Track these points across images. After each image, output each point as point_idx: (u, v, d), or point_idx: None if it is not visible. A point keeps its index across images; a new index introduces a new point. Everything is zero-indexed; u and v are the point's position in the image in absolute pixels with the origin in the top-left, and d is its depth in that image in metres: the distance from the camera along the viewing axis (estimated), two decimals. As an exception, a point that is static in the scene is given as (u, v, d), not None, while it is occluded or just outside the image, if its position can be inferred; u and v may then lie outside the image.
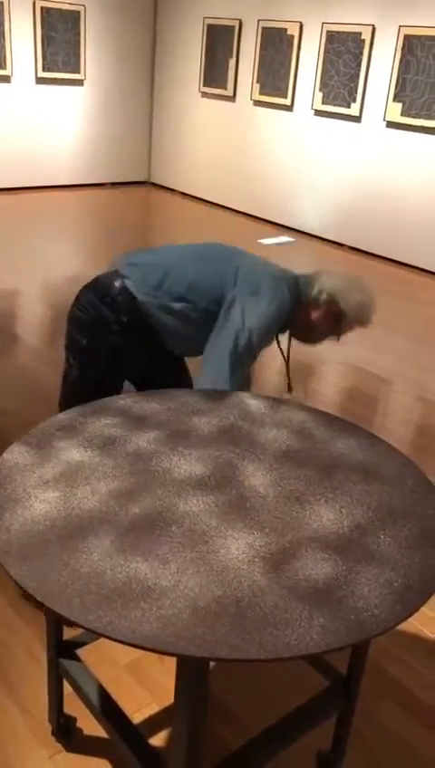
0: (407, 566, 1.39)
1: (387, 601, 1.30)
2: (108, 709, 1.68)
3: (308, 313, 2.20)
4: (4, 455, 1.63)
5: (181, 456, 1.68)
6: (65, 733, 1.93)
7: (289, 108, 7.56)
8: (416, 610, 1.31)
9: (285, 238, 7.58)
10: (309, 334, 2.26)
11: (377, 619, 1.26)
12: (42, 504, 1.47)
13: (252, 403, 1.98)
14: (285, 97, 7.51)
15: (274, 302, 2.09)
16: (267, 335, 2.12)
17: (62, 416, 1.82)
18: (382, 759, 1.98)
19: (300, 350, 4.96)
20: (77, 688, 1.77)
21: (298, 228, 7.82)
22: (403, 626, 2.42)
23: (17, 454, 1.64)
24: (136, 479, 1.58)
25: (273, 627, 1.21)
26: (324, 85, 7.16)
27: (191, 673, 1.33)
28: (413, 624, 2.45)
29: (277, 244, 7.34)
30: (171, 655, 1.16)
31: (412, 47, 6.35)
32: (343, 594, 1.30)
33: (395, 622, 1.27)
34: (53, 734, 1.93)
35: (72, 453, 1.66)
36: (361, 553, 1.41)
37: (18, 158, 8.39)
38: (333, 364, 4.69)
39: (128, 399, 1.93)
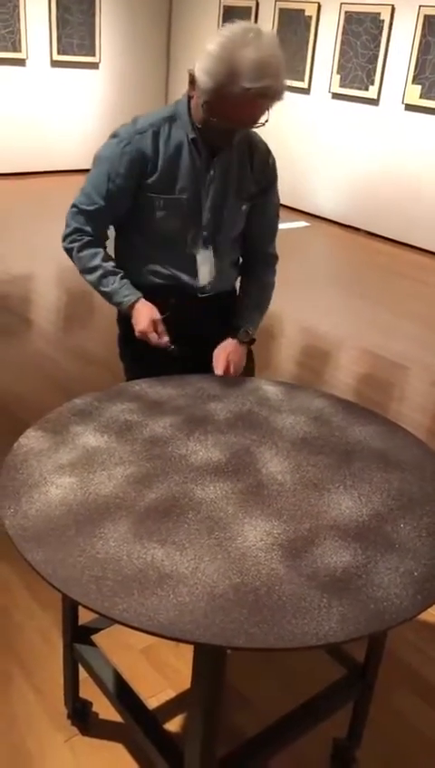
0: (427, 555, 1.37)
1: (407, 591, 1.28)
2: (123, 694, 1.68)
3: (190, 105, 1.90)
4: (20, 439, 1.62)
5: (198, 442, 1.67)
6: (81, 717, 1.93)
7: (306, 91, 7.47)
8: (437, 600, 1.29)
9: (300, 223, 7.52)
10: (210, 132, 1.88)
11: (397, 609, 1.24)
12: (58, 489, 1.46)
13: (269, 389, 1.95)
14: (302, 80, 7.42)
15: (97, 155, 2.00)
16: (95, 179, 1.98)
17: (78, 401, 1.81)
18: (399, 747, 1.97)
19: (312, 334, 4.94)
20: (92, 673, 1.77)
21: (313, 213, 7.75)
22: (421, 615, 2.40)
23: (33, 439, 1.63)
24: (152, 465, 1.57)
25: (291, 615, 1.20)
26: (342, 68, 7.07)
27: (208, 661, 1.32)
28: (432, 613, 2.43)
29: (292, 228, 7.28)
30: (188, 643, 1.15)
31: (432, 28, 6.24)
32: (362, 583, 1.28)
33: (416, 612, 1.25)
34: (69, 717, 1.94)
35: (89, 438, 1.64)
36: (380, 542, 1.39)
37: (33, 143, 8.36)
38: (346, 349, 4.66)
39: (143, 385, 1.91)
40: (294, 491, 1.52)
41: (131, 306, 2.00)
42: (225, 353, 2.04)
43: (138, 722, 1.62)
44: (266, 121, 1.85)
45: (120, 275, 2.01)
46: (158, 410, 1.79)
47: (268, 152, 2.10)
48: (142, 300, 2.00)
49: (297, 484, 1.55)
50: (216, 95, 1.76)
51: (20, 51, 7.88)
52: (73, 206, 2.04)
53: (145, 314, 1.97)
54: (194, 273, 2.06)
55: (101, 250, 2.04)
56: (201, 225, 2.01)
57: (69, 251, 2.06)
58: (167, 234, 2.01)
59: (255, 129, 1.92)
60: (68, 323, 4.68)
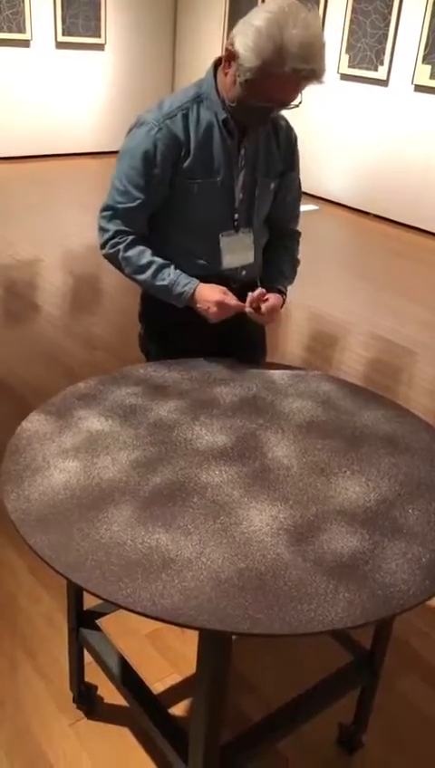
0: (435, 541, 1.35)
1: (415, 576, 1.26)
2: (128, 679, 1.67)
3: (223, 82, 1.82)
4: (24, 423, 1.60)
5: (203, 426, 1.65)
6: (86, 701, 1.93)
7: (314, 72, 7.37)
8: (445, 586, 1.27)
9: (309, 206, 7.45)
10: (246, 112, 1.82)
11: (405, 595, 1.22)
12: (61, 473, 1.44)
13: (275, 373, 1.93)
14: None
15: (126, 148, 1.88)
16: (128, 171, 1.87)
17: (81, 384, 1.79)
18: (405, 733, 1.96)
19: (321, 319, 4.91)
20: (97, 658, 1.76)
21: (322, 196, 7.68)
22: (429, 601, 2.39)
23: (36, 422, 1.61)
24: (157, 449, 1.55)
25: (297, 601, 1.18)
26: (351, 47, 6.97)
27: (213, 646, 1.31)
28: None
29: (302, 211, 7.22)
30: (193, 628, 1.13)
31: (443, 6, 6.13)
32: (369, 569, 1.26)
33: (424, 598, 1.23)
34: (74, 701, 1.94)
35: (93, 422, 1.63)
36: (388, 527, 1.37)
37: (38, 126, 8.30)
38: (355, 334, 4.62)
39: (148, 368, 1.89)
40: (300, 475, 1.50)
41: (192, 294, 1.89)
42: (268, 300, 1.94)
43: (142, 706, 1.62)
44: (301, 103, 1.80)
45: (173, 266, 1.91)
46: (162, 394, 1.77)
47: (291, 128, 2.07)
48: (201, 283, 1.91)
49: (304, 468, 1.53)
50: (261, 74, 1.69)
51: (24, 32, 7.80)
52: (107, 208, 1.91)
53: (214, 290, 1.88)
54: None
55: (146, 247, 1.92)
56: (234, 208, 1.97)
57: (112, 256, 1.93)
58: (203, 220, 1.94)
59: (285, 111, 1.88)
60: (74, 309, 4.66)
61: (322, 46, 1.70)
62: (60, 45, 8.14)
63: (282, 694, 2.00)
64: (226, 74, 1.80)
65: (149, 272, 1.90)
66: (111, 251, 1.92)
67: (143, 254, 1.91)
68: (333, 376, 1.96)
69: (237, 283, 2.03)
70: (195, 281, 1.91)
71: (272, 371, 1.94)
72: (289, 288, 2.12)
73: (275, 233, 2.15)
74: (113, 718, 1.91)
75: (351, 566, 1.27)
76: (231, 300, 1.89)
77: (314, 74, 1.71)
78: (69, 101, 8.43)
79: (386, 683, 2.07)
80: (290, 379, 1.91)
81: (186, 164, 1.86)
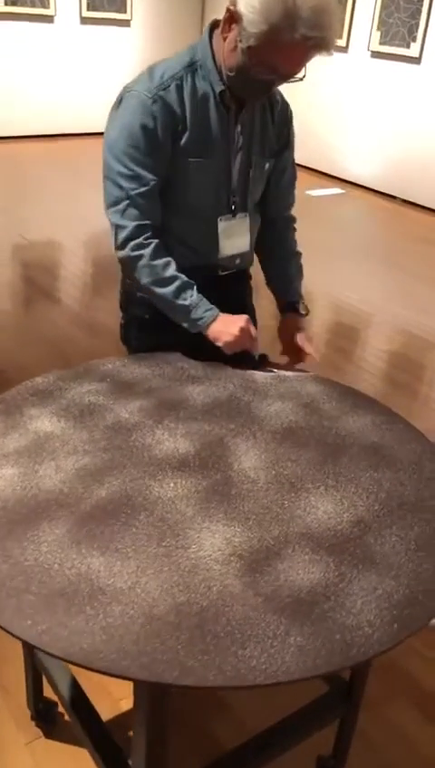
0: (413, 573, 1.17)
1: (383, 618, 1.08)
2: (78, 703, 1.53)
3: (220, 48, 1.63)
4: (-32, 422, 1.46)
5: (166, 431, 1.48)
6: (45, 718, 1.80)
7: (344, 49, 7.09)
8: (418, 630, 1.10)
9: (334, 189, 7.20)
10: (245, 83, 1.63)
11: (368, 641, 1.05)
12: (-3, 481, 1.29)
13: (257, 372, 1.75)
14: (340, 37, 7.04)
15: (120, 125, 1.66)
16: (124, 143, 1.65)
17: (39, 379, 1.64)
18: (391, 764, 1.79)
19: (341, 309, 4.70)
20: (50, 679, 1.63)
21: (348, 179, 7.41)
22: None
23: (-18, 422, 1.46)
24: (110, 456, 1.39)
25: (239, 645, 1.02)
26: (383, 23, 6.67)
27: (146, 693, 1.15)
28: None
29: (326, 195, 6.97)
30: (111, 676, 0.98)
31: None
32: (330, 606, 1.09)
33: (390, 645, 1.06)
34: (33, 719, 1.81)
35: (44, 422, 1.47)
36: (359, 556, 1.20)
37: (61, 104, 8.15)
38: (377, 326, 4.41)
39: (117, 363, 1.73)
40: (266, 490, 1.33)
41: (211, 323, 1.71)
42: (301, 335, 1.87)
43: (89, 734, 1.47)
44: (304, 76, 1.61)
45: (194, 286, 1.71)
46: (128, 392, 1.61)
47: (287, 103, 1.87)
48: (222, 313, 1.73)
49: (271, 482, 1.36)
50: (266, 39, 1.50)
51: (48, 7, 7.63)
52: (117, 200, 1.66)
53: (235, 322, 1.70)
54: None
55: (170, 257, 1.71)
56: (231, 189, 1.78)
57: (134, 260, 1.69)
58: (199, 204, 1.76)
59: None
60: (83, 293, 4.51)
61: (334, 13, 1.52)
62: (84, 21, 7.96)
63: (257, 719, 1.85)
64: (224, 39, 1.61)
65: (172, 287, 1.69)
66: (134, 254, 1.68)
67: (169, 266, 1.70)
68: (322, 377, 1.78)
69: (228, 271, 1.86)
70: (215, 309, 1.72)
71: (254, 370, 1.77)
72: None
73: (268, 221, 1.96)
74: (72, 738, 1.78)
75: (308, 603, 1.10)
76: (253, 331, 1.72)
77: (325, 43, 1.52)
78: (93, 79, 8.25)
79: (375, 709, 1.90)
80: (273, 379, 1.73)
81: (183, 141, 1.66)
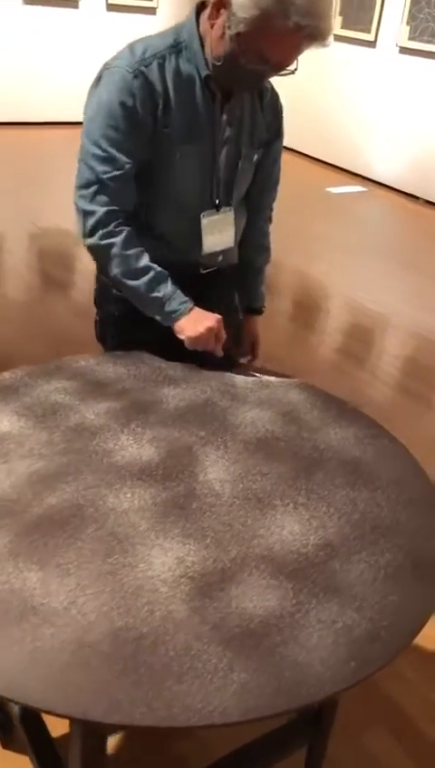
0: (378, 605, 1.08)
1: (339, 655, 0.99)
2: (27, 716, 1.45)
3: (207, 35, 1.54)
4: None
5: (132, 435, 1.40)
6: (3, 729, 1.73)
7: (372, 44, 6.93)
8: (378, 669, 1.00)
9: (356, 187, 7.06)
10: (233, 74, 1.52)
11: (319, 681, 0.96)
12: None
13: (238, 376, 1.66)
14: (368, 31, 6.88)
15: (98, 103, 1.56)
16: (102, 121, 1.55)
17: (7, 375, 1.56)
18: (362, 797, 1.70)
19: (357, 311, 4.58)
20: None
21: (371, 177, 7.26)
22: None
23: None
24: (67, 460, 1.31)
25: (175, 679, 0.93)
26: (412, 18, 6.50)
27: (80, 728, 1.06)
28: (425, 635, 2.13)
29: (347, 193, 6.83)
30: (29, 707, 0.90)
31: None
32: (281, 639, 1.00)
33: (344, 685, 0.97)
34: (-9, 727, 1.74)
35: (2, 421, 1.39)
36: (321, 583, 1.11)
37: (85, 91, 8.05)
38: (394, 330, 4.28)
39: (91, 361, 1.65)
40: (230, 506, 1.24)
41: (183, 315, 1.62)
42: (255, 333, 1.99)
43: (34, 749, 1.40)
44: (296, 70, 1.51)
45: (169, 278, 1.62)
46: (98, 392, 1.53)
47: (276, 92, 1.77)
48: (196, 307, 1.64)
49: (237, 497, 1.26)
50: (257, 25, 1.41)
51: (74, -7, 7.55)
52: (88, 183, 1.56)
53: (204, 319, 1.61)
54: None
55: (142, 247, 1.60)
56: (216, 181, 1.68)
57: (102, 250, 1.58)
58: (181, 196, 1.66)
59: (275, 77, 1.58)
60: (92, 286, 4.44)
61: (330, 3, 1.43)
62: (110, 8, 7.86)
63: (223, 741, 1.76)
64: (212, 26, 1.51)
65: (144, 279, 1.59)
66: (103, 243, 1.58)
67: (141, 257, 1.60)
68: (305, 382, 1.68)
69: (210, 269, 1.77)
70: (190, 302, 1.63)
71: (235, 373, 1.67)
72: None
73: (251, 215, 1.87)
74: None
75: (259, 634, 1.01)
76: (222, 333, 1.63)
77: (320, 33, 1.42)
78: (117, 67, 8.16)
79: (350, 735, 1.81)
80: (254, 384, 1.64)
81: (165, 124, 1.56)
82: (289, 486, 1.31)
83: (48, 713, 0.89)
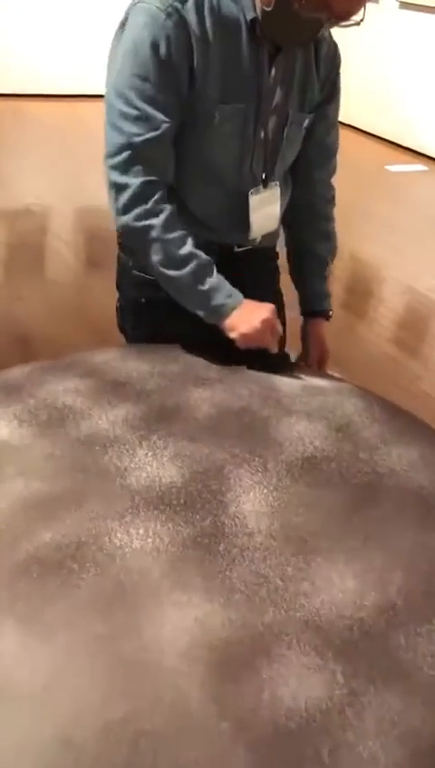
0: (455, 699, 0.82)
1: (401, 762, 0.74)
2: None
3: None
4: None
5: (151, 451, 1.15)
6: None
7: (432, 9, 6.49)
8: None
9: (416, 166, 6.66)
10: (286, 23, 1.27)
11: None
12: None
13: (284, 378, 1.40)
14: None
15: (124, 50, 1.28)
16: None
17: (15, 370, 1.34)
18: None
19: (414, 298, 4.25)
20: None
21: (432, 155, 6.84)
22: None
23: None
24: (71, 481, 1.07)
25: (182, 805, 0.69)
26: None
27: None
28: None
29: (406, 171, 6.45)
30: None
31: None
32: (330, 748, 0.76)
33: None
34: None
35: (0, 427, 1.17)
36: (381, 664, 0.85)
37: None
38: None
39: (110, 355, 1.41)
40: (266, 549, 0.99)
41: (232, 309, 1.36)
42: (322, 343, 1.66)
43: None
44: (362, 20, 1.24)
45: (214, 265, 1.37)
46: (115, 394, 1.29)
47: (335, 43, 1.48)
48: (246, 300, 1.39)
49: (275, 537, 1.01)
50: None
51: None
52: (119, 150, 1.29)
53: (258, 310, 1.37)
54: (244, 220, 1.46)
55: (185, 230, 1.35)
56: (262, 149, 1.42)
57: (140, 232, 1.32)
58: (218, 167, 1.41)
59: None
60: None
61: None
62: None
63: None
64: None
65: (188, 269, 1.34)
66: (139, 225, 1.31)
67: (185, 242, 1.34)
68: (366, 390, 1.41)
69: (244, 248, 1.51)
70: (238, 294, 1.37)
71: (282, 371, 1.42)
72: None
73: (307, 191, 1.59)
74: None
75: (298, 738, 0.76)
76: (278, 326, 1.39)
77: None
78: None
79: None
80: (303, 390, 1.38)
81: (202, 78, 1.29)
82: (340, 524, 1.05)
83: None
